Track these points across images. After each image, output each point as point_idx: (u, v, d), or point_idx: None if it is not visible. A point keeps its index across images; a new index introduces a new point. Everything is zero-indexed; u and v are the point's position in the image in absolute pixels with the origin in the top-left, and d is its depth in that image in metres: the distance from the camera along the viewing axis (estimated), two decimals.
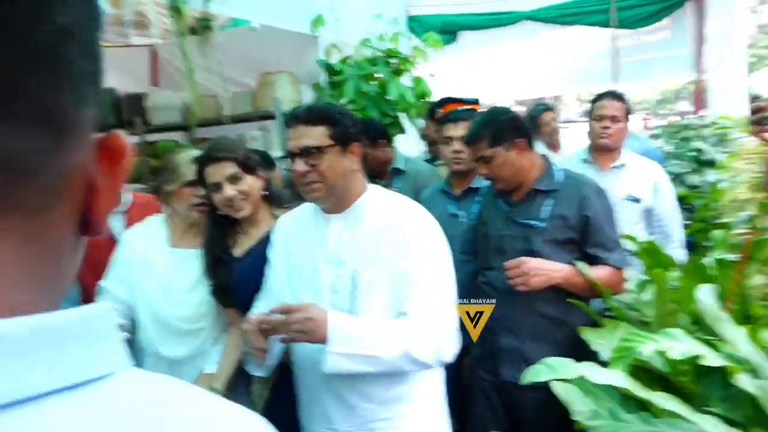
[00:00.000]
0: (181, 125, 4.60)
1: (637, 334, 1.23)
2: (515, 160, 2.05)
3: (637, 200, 2.71)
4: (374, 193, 1.65)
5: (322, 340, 1.43)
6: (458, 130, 2.55)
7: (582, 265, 1.94)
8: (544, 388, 1.78)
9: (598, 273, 1.95)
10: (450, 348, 1.55)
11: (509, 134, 2.05)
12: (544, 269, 1.91)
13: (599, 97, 2.92)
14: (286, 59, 4.33)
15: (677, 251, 2.69)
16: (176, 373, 2.00)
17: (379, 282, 1.54)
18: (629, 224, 2.62)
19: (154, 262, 2.07)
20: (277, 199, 2.03)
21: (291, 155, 1.55)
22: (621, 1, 5.03)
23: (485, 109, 2.30)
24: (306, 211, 1.72)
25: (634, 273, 2.26)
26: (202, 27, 3.25)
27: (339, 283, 1.57)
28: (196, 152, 2.06)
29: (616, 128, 2.77)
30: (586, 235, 2.01)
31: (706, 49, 5.06)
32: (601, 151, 2.83)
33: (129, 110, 4.63)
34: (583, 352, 2.03)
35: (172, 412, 0.35)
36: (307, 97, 4.31)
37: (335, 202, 1.60)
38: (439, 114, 3.40)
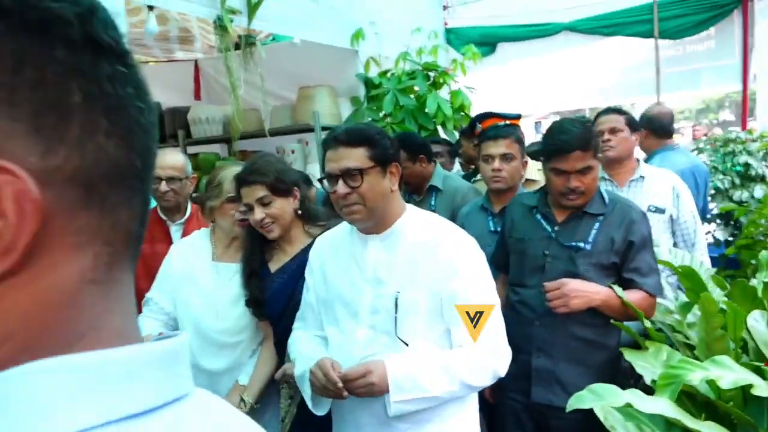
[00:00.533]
0: (223, 138, 4.71)
1: (686, 362, 1.21)
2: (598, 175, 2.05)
3: (661, 211, 2.69)
4: (412, 214, 1.66)
5: (385, 392, 1.49)
6: (498, 147, 2.51)
7: (618, 289, 1.91)
8: (578, 411, 1.82)
9: (632, 297, 1.92)
10: (504, 364, 1.59)
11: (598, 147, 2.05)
12: (585, 291, 1.89)
13: (598, 115, 2.95)
14: (325, 73, 4.39)
15: (703, 258, 2.66)
16: (215, 385, 2.07)
17: (419, 302, 1.56)
18: (656, 235, 2.59)
19: (198, 276, 2.13)
20: (312, 217, 2.06)
21: (331, 177, 1.56)
22: (664, 11, 4.94)
23: (557, 119, 2.20)
24: (343, 231, 1.74)
25: (676, 295, 2.22)
26: (246, 43, 3.33)
27: (379, 304, 1.58)
28: (239, 168, 2.11)
29: (617, 139, 2.77)
30: (626, 259, 1.98)
31: (753, 58, 4.94)
32: (612, 164, 2.82)
33: (172, 124, 4.76)
34: (616, 375, 2.02)
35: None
36: (346, 110, 4.37)
37: (374, 223, 1.61)
38: (479, 129, 3.40)
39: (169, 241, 2.56)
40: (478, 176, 3.36)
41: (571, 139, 1.95)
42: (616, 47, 5.48)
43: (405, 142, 3.16)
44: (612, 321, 1.87)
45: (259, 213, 1.92)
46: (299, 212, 2.01)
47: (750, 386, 1.15)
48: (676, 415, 1.11)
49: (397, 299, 1.55)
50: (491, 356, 1.56)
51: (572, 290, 1.87)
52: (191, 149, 4.76)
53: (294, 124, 4.31)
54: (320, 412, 1.62)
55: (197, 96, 5.28)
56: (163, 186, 2.51)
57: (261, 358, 2.05)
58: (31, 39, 0.35)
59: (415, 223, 1.64)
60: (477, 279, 1.60)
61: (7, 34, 0.34)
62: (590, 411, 1.95)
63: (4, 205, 0.34)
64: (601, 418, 1.46)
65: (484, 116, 3.44)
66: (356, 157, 1.54)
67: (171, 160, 2.57)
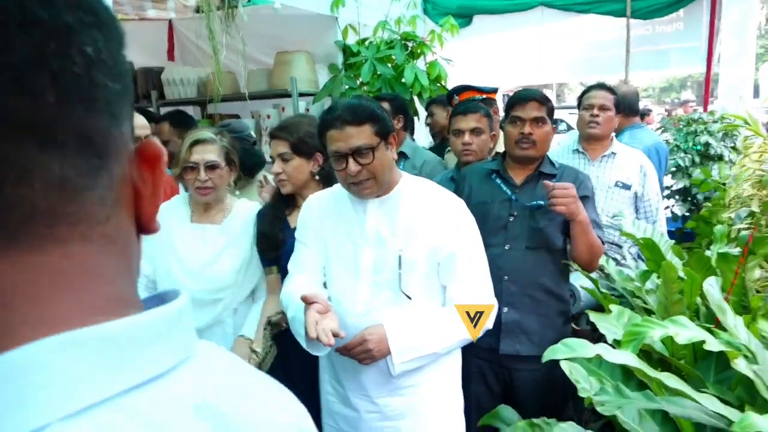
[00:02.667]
0: (197, 100, 4.68)
1: (648, 320, 1.35)
2: (551, 136, 2.23)
3: (627, 187, 2.84)
4: (408, 180, 1.76)
5: (387, 354, 1.59)
6: (468, 122, 2.65)
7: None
8: (540, 366, 1.96)
9: (596, 237, 2.11)
10: (492, 317, 1.72)
11: (553, 113, 2.24)
12: (580, 203, 2.02)
13: (589, 89, 3.05)
14: (304, 39, 4.38)
15: (663, 233, 2.83)
16: None
17: (420, 261, 1.67)
18: (619, 209, 2.77)
19: (176, 238, 2.18)
20: (329, 180, 2.12)
21: (339, 156, 1.61)
22: None
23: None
24: (338, 194, 1.81)
25: (637, 264, 2.39)
26: (228, 5, 3.31)
27: (381, 262, 1.68)
28: (199, 134, 2.15)
29: (604, 117, 2.88)
30: None
31: (719, 41, 5.12)
32: (591, 140, 2.93)
33: (145, 84, 4.70)
34: (568, 323, 2.26)
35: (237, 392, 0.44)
36: (323, 77, 4.38)
37: (379, 193, 1.69)
38: (456, 101, 3.49)
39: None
40: (449, 148, 3.48)
41: (530, 92, 2.23)
42: (588, 25, 5.60)
43: (392, 101, 3.34)
44: (581, 286, 2.02)
45: (276, 167, 2.05)
46: (316, 176, 2.11)
47: (703, 342, 1.29)
48: (639, 365, 1.25)
49: (400, 257, 1.65)
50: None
51: (575, 195, 1.99)
52: (164, 110, 4.71)
53: (270, 89, 4.31)
54: (318, 352, 1.62)
55: (171, 57, 5.19)
56: None
57: (267, 309, 2.12)
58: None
59: (412, 188, 1.74)
60: (472, 239, 1.73)
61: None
62: (551, 367, 2.12)
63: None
64: (567, 372, 1.60)
65: (461, 89, 3.52)
66: (364, 134, 1.59)
67: (139, 121, 2.61)
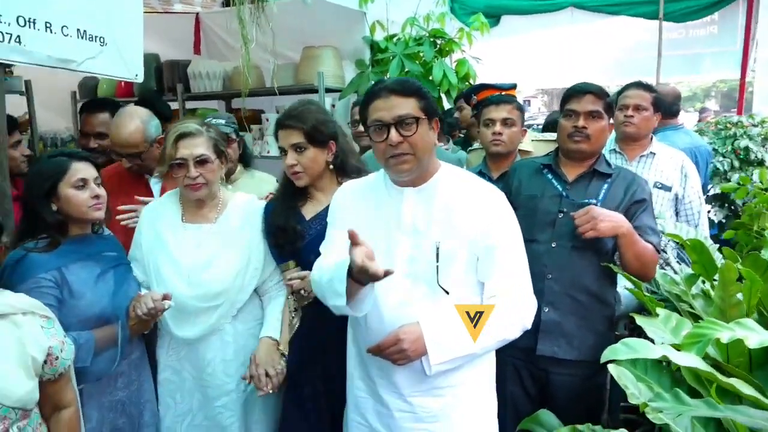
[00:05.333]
0: (222, 94, 4.64)
1: (713, 322, 1.25)
2: (607, 133, 2.15)
3: (668, 188, 2.74)
4: (447, 170, 1.68)
5: (423, 354, 1.52)
6: (500, 112, 2.59)
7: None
8: (579, 369, 1.87)
9: (647, 246, 2.01)
10: (531, 316, 1.63)
11: (612, 108, 2.17)
12: (612, 217, 1.94)
13: (626, 88, 2.94)
14: (331, 34, 4.33)
15: (706, 237, 2.72)
16: (194, 351, 2.03)
17: (458, 252, 1.59)
18: (659, 211, 2.66)
19: (168, 240, 2.03)
20: (346, 171, 2.05)
21: (381, 126, 1.55)
22: None
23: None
24: (373, 182, 1.74)
25: (680, 267, 2.29)
26: None
27: (417, 253, 1.60)
28: (184, 127, 1.99)
29: (640, 117, 2.78)
30: (634, 218, 2.05)
31: (755, 46, 4.99)
32: (627, 140, 2.83)
33: (171, 77, 4.68)
34: (612, 330, 2.15)
35: None
36: (350, 73, 4.33)
37: (417, 175, 1.62)
38: (474, 100, 3.42)
39: (149, 194, 2.47)
40: (474, 145, 3.40)
41: (587, 85, 2.15)
42: (619, 27, 5.49)
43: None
44: (626, 288, 1.93)
45: (291, 158, 1.93)
46: (331, 166, 2.01)
47: None
48: (708, 368, 1.16)
49: (438, 248, 1.58)
50: (521, 309, 1.61)
51: (600, 214, 1.92)
52: (190, 104, 4.69)
53: (296, 83, 4.26)
54: (358, 312, 1.53)
55: (197, 50, 5.18)
56: (125, 162, 2.43)
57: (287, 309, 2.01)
58: None
59: (451, 178, 1.66)
60: (512, 233, 1.65)
61: None
62: (589, 373, 2.03)
63: None
64: (615, 376, 1.50)
65: (479, 87, 3.46)
66: (410, 105, 1.55)
67: (126, 135, 2.37)
